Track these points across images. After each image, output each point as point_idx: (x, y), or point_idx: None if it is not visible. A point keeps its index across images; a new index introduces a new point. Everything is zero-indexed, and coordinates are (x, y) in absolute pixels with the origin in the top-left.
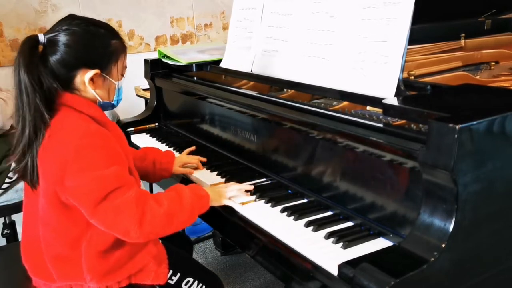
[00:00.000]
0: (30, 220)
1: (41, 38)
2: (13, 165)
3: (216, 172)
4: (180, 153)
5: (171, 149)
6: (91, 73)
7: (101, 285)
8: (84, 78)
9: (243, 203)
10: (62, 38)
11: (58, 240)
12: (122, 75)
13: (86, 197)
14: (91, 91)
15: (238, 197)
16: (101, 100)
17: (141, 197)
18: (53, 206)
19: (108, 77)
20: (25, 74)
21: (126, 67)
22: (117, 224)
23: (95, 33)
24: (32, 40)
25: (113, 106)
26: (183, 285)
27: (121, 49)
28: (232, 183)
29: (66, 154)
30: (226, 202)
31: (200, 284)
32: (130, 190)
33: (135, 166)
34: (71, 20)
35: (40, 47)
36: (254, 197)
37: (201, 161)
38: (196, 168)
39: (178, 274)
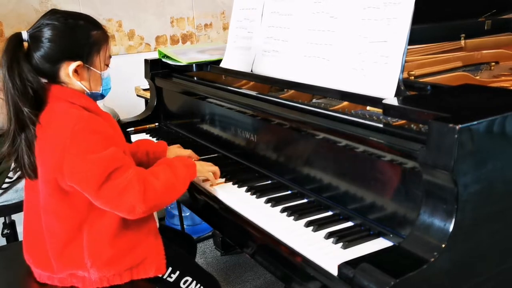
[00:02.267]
0: (31, 212)
1: (24, 35)
2: (13, 164)
3: None
4: None
5: None
6: (73, 65)
7: (102, 276)
8: (67, 70)
9: (217, 184)
10: (44, 33)
11: (61, 227)
12: (107, 65)
13: (88, 180)
14: (76, 83)
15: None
16: (88, 91)
17: (140, 174)
18: (54, 193)
19: (92, 68)
20: (6, 72)
21: (110, 57)
22: (122, 202)
23: (74, 25)
24: (16, 38)
25: (102, 96)
26: (181, 283)
27: (103, 39)
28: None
29: (63, 140)
30: (207, 175)
31: (199, 285)
32: (129, 169)
33: None
34: (51, 14)
35: (25, 44)
36: (223, 179)
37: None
38: None
39: (177, 272)
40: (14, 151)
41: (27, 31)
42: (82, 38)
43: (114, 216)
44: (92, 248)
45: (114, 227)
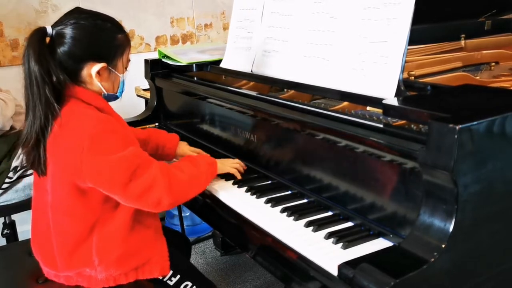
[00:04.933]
0: (39, 211)
1: (49, 30)
2: (13, 164)
3: None
4: None
5: None
6: (98, 66)
7: (108, 275)
8: (91, 71)
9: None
10: (70, 31)
11: (75, 225)
12: (126, 68)
13: (114, 181)
14: (97, 84)
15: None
16: (105, 92)
17: (163, 167)
18: (70, 193)
19: (114, 70)
20: (35, 65)
21: (129, 60)
22: (149, 197)
23: (102, 27)
24: (40, 32)
25: (116, 98)
26: None
27: (126, 43)
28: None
29: (81, 143)
30: (230, 170)
31: None
32: (151, 164)
33: None
34: (78, 13)
35: (47, 39)
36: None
37: None
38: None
39: (178, 276)
40: (35, 148)
41: (51, 27)
42: (108, 41)
43: (126, 215)
44: (101, 247)
45: (125, 226)
